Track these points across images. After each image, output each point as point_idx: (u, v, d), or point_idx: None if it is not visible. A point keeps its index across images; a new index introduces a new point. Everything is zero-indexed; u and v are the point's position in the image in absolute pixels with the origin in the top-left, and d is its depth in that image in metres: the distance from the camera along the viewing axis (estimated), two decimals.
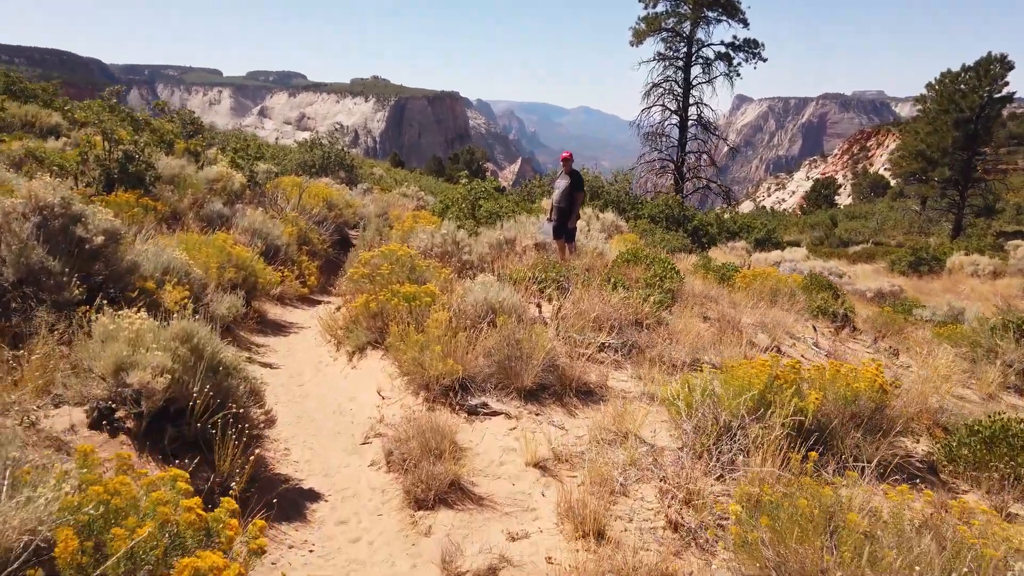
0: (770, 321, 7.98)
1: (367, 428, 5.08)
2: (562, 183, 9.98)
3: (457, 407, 5.09)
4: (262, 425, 4.65)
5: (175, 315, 4.48)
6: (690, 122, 40.29)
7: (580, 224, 11.96)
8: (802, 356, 7.35)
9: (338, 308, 8.31)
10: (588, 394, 5.35)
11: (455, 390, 5.19)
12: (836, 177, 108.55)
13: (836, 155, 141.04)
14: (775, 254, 25.44)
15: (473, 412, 5.02)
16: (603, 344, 6.23)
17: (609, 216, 19.40)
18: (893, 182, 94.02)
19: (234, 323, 7.27)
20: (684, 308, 8.07)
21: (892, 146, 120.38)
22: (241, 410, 4.18)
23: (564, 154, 10.23)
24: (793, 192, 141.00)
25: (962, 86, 36.13)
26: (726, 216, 30.57)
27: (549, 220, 10.04)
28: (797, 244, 34.09)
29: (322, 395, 6.00)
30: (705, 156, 40.61)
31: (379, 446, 4.76)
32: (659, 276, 8.44)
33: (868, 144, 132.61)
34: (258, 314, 8.16)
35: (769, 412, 4.16)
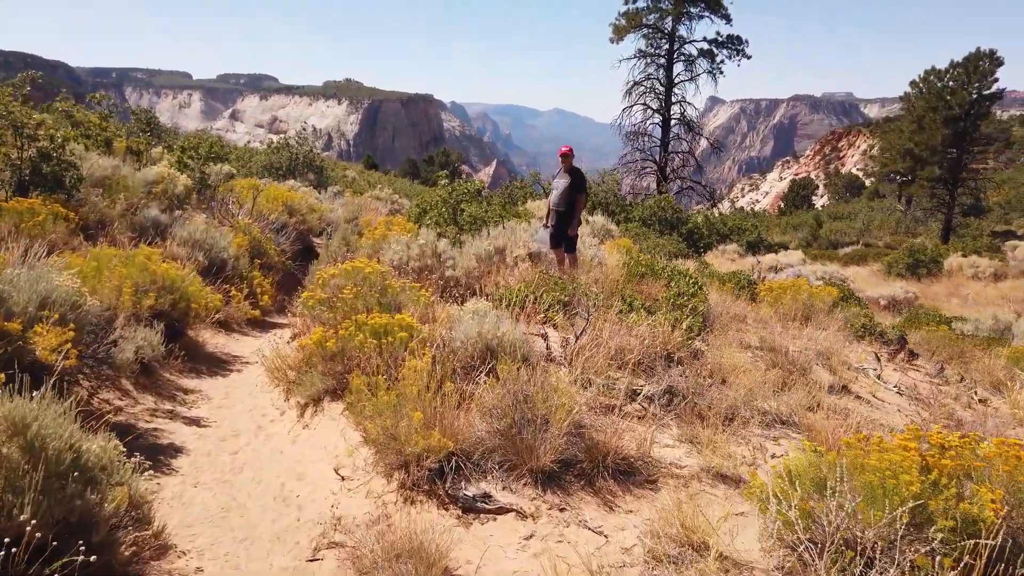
0: (820, 347, 6.57)
1: (318, 533, 3.53)
2: (561, 183, 8.49)
3: (447, 499, 3.58)
4: (147, 557, 3.08)
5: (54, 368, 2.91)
6: (672, 121, 39.12)
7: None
8: (873, 396, 5.95)
9: (291, 339, 6.75)
10: (628, 473, 3.86)
11: (443, 471, 3.68)
12: (812, 177, 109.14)
13: (808, 155, 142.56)
14: (769, 258, 24.29)
15: (470, 507, 3.51)
16: (634, 390, 4.77)
17: (599, 219, 18.04)
18: (868, 182, 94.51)
19: (157, 361, 5.68)
20: (716, 333, 6.63)
21: (863, 146, 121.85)
22: (111, 539, 2.63)
23: (563, 148, 8.76)
24: (767, 192, 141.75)
25: (950, 83, 35.40)
26: (715, 217, 29.39)
27: (546, 226, 8.57)
28: (785, 246, 33.08)
29: (261, 468, 4.44)
30: (689, 156, 39.40)
31: (333, 565, 3.24)
32: (684, 294, 7.00)
33: (839, 144, 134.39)
34: (192, 347, 6.57)
35: (926, 524, 2.72)
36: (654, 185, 38.23)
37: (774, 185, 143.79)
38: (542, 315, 6.46)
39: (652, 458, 4.02)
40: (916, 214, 42.06)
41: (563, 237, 8.49)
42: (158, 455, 4.39)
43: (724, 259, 23.29)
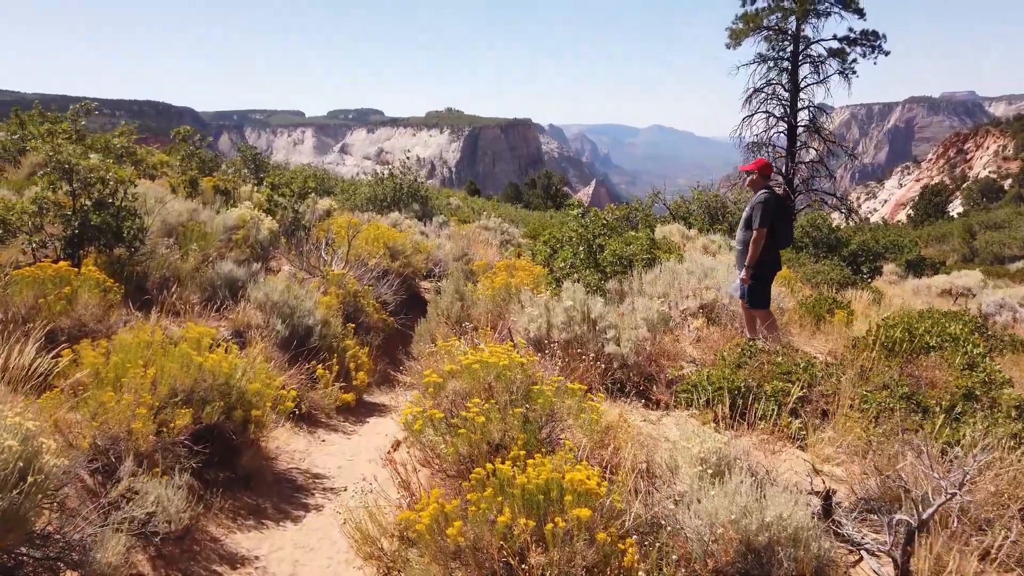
0: None
1: None
2: (746, 211, 6.14)
3: None
4: None
5: None
6: (799, 128, 35.34)
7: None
8: None
9: (393, 448, 4.69)
10: None
11: None
12: (945, 182, 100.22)
13: (931, 160, 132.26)
14: (940, 279, 20.49)
15: None
16: None
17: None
18: (1005, 184, 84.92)
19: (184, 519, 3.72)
20: None
21: (994, 147, 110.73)
22: None
23: (751, 165, 6.39)
24: (885, 201, 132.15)
25: None
26: (865, 233, 25.63)
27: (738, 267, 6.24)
28: (942, 263, 28.65)
29: None
30: (819, 165, 35.40)
31: None
32: (987, 381, 4.40)
33: (966, 147, 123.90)
34: (256, 466, 4.61)
35: None
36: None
37: (893, 192, 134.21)
38: (769, 422, 4.07)
39: None
40: None
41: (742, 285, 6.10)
42: None
43: (883, 283, 19.73)
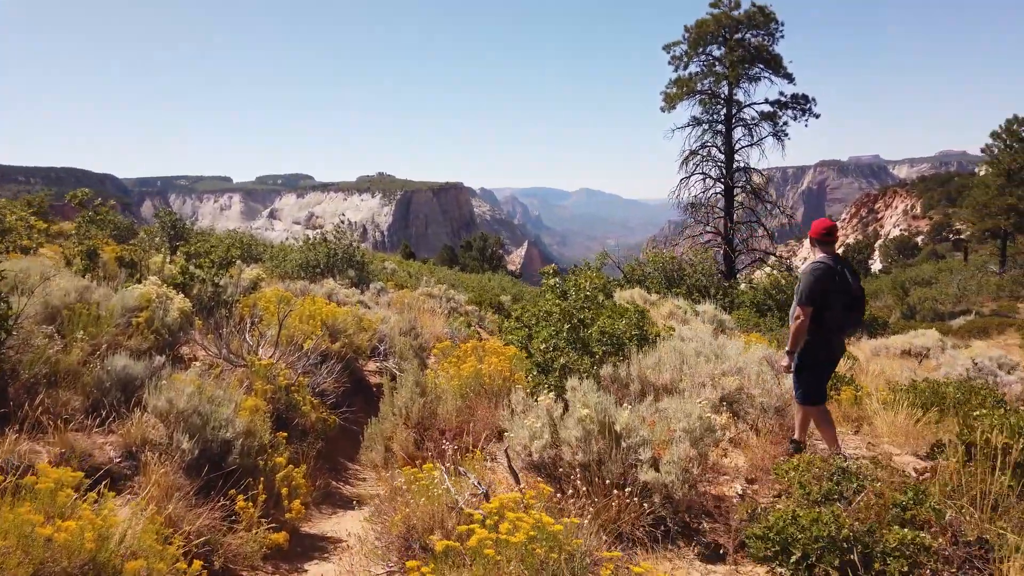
0: None
1: None
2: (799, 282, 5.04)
3: None
4: None
5: None
6: (736, 189, 35.78)
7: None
8: None
9: None
10: None
11: None
12: (859, 239, 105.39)
13: (845, 219, 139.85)
14: (898, 339, 20.11)
15: None
16: None
17: (709, 309, 14.40)
18: (919, 241, 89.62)
19: None
20: None
21: (902, 206, 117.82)
22: None
23: (818, 225, 5.24)
24: (805, 258, 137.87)
25: None
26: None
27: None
28: (885, 322, 28.73)
29: None
30: (758, 226, 35.77)
31: None
32: None
33: (876, 207, 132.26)
34: None
35: None
36: (720, 258, 34.51)
37: (811, 251, 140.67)
38: None
39: None
40: (1015, 274, 37.36)
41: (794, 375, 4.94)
42: None
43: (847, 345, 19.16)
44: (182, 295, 7.64)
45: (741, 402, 5.35)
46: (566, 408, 4.41)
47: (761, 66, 33.85)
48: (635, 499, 3.46)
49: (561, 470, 3.87)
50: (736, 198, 35.44)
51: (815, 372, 4.84)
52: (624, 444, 3.78)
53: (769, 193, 36.73)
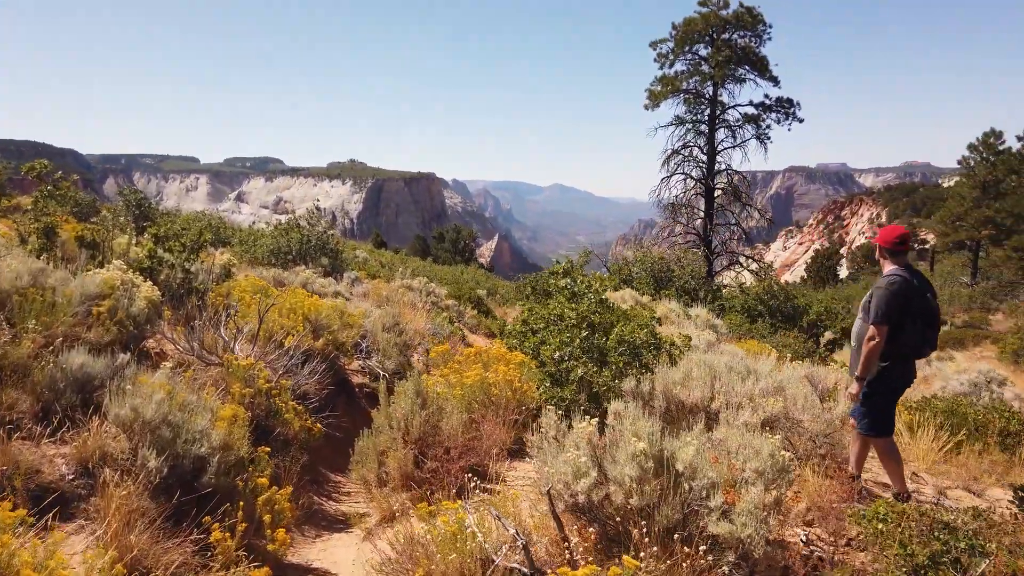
0: None
1: None
2: (867, 295, 4.47)
3: None
4: None
5: None
6: (717, 191, 35.58)
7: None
8: None
9: None
10: None
11: None
12: (826, 245, 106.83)
13: (812, 225, 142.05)
14: None
15: None
16: None
17: (702, 313, 13.94)
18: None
19: None
20: None
21: (867, 214, 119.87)
22: None
23: (877, 236, 4.62)
24: (771, 262, 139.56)
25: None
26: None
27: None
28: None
29: None
30: (736, 228, 35.62)
31: None
32: None
33: (842, 214, 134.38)
34: None
35: None
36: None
37: (778, 255, 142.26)
38: None
39: None
40: (986, 286, 37.87)
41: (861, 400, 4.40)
42: None
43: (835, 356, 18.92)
44: (150, 282, 6.84)
45: (784, 428, 4.80)
46: (600, 431, 3.82)
47: (747, 68, 33.62)
48: (708, 558, 2.87)
49: (607, 512, 3.25)
50: (716, 199, 35.24)
51: (888, 399, 4.31)
52: (687, 486, 3.18)
53: (751, 196, 36.52)
